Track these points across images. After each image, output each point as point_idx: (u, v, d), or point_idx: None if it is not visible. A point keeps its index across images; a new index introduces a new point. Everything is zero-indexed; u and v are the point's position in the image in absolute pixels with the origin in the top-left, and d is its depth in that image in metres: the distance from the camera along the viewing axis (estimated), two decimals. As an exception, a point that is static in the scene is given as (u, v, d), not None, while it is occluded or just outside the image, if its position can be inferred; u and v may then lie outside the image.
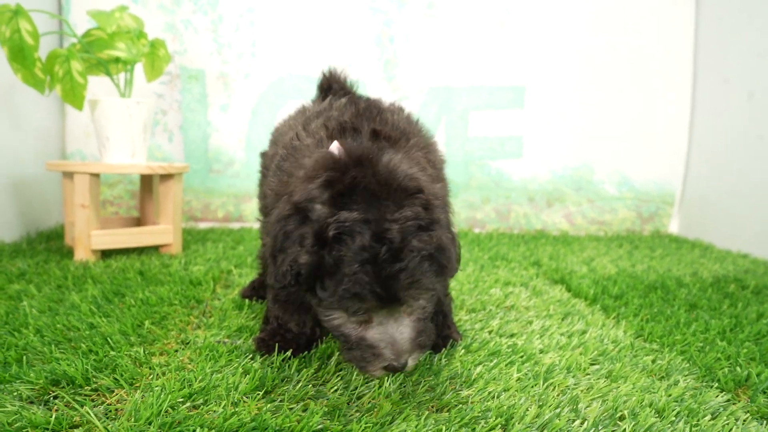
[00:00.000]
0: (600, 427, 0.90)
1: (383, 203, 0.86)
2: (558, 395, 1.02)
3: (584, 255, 2.38)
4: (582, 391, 1.05)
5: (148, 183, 2.38)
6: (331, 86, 1.36)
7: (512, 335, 1.35)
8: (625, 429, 0.89)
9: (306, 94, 2.81)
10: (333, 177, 0.89)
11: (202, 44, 2.76)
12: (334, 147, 0.97)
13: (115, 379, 1.03)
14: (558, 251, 2.45)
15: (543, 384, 1.06)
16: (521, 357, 1.20)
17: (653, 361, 1.20)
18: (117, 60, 2.12)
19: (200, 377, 1.03)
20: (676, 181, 3.02)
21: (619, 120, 2.98)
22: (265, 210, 1.18)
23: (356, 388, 1.03)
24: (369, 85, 2.87)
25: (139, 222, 2.43)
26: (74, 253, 2.00)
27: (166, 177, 2.16)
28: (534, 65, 2.93)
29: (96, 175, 2.02)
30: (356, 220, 0.84)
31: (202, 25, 2.75)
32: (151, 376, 1.05)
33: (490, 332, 1.37)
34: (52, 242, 2.27)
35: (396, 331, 0.90)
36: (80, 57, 1.98)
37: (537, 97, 2.94)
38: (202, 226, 2.86)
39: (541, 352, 1.24)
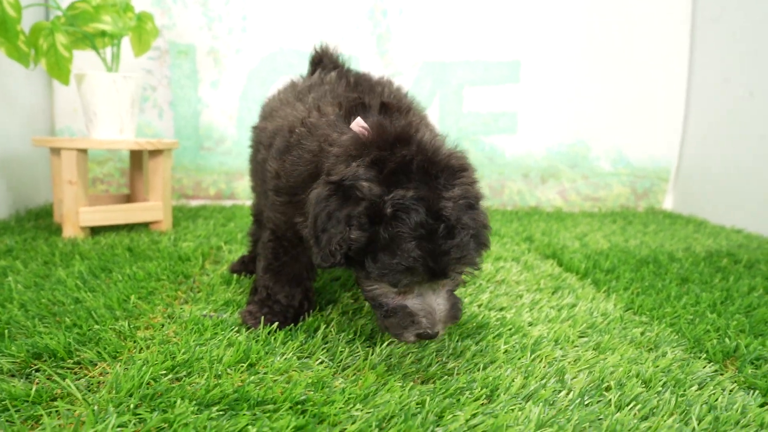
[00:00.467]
0: (586, 398, 0.89)
1: (434, 181, 0.89)
2: (545, 367, 1.02)
3: (577, 230, 2.36)
4: (569, 362, 1.04)
5: (137, 160, 2.35)
6: (322, 61, 1.37)
7: (501, 309, 1.34)
8: (610, 399, 0.88)
9: (298, 70, 2.76)
10: (381, 156, 0.89)
11: (192, 18, 2.71)
12: (358, 124, 0.97)
13: (98, 352, 1.02)
14: (551, 227, 2.44)
15: (530, 356, 1.05)
16: (509, 330, 1.19)
17: (642, 333, 1.19)
18: (103, 33, 2.08)
19: (184, 350, 1.02)
20: (671, 157, 3.00)
21: (616, 96, 2.95)
22: (274, 187, 1.10)
23: (342, 360, 1.02)
24: (362, 60, 2.82)
25: (129, 199, 2.40)
26: (63, 230, 1.98)
27: (155, 153, 2.13)
28: (530, 40, 2.89)
29: (83, 151, 1.99)
30: (412, 198, 0.86)
31: (191, -1, 2.70)
32: (135, 350, 1.04)
33: (479, 306, 1.36)
34: (40, 220, 2.24)
35: (434, 301, 0.93)
36: (65, 30, 1.94)
37: (532, 73, 2.91)
38: (194, 203, 2.84)
39: (530, 325, 1.23)
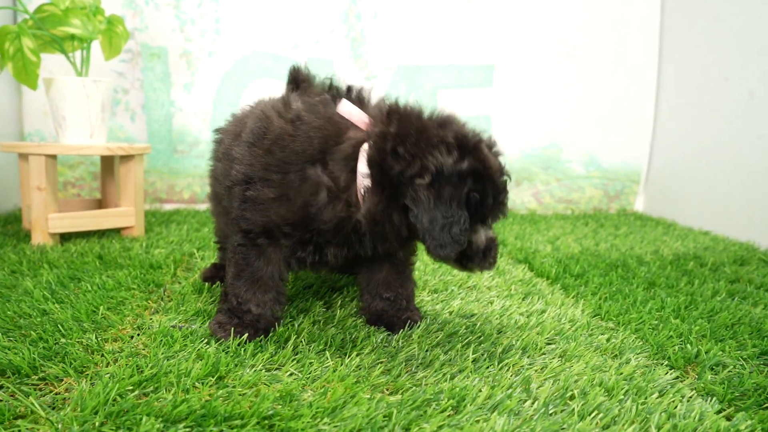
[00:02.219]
0: (550, 407, 0.91)
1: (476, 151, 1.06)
2: (512, 376, 1.03)
3: (550, 234, 2.40)
4: (536, 371, 1.06)
5: (109, 164, 2.32)
6: (297, 80, 1.38)
7: (472, 316, 1.36)
8: (574, 408, 0.90)
9: (272, 73, 2.76)
10: (460, 139, 1.04)
11: (164, 21, 2.69)
12: (347, 107, 1.09)
13: (64, 367, 1.01)
14: (524, 230, 2.47)
15: (498, 365, 1.07)
16: (479, 338, 1.21)
17: (608, 340, 1.21)
18: (72, 37, 2.05)
19: (152, 363, 1.01)
20: (642, 160, 3.05)
21: (588, 99, 2.99)
22: (244, 178, 1.11)
23: (311, 372, 1.02)
24: (336, 64, 2.83)
25: (101, 204, 2.37)
26: (31, 237, 1.95)
27: (126, 158, 2.11)
28: (503, 44, 2.91)
29: (52, 157, 1.96)
30: (496, 168, 1.08)
31: (163, 1, 2.67)
32: (102, 364, 1.03)
33: (450, 313, 1.38)
34: (9, 226, 2.21)
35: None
36: (32, 34, 1.91)
37: (506, 77, 2.94)
38: (168, 207, 2.81)
39: (499, 332, 1.25)
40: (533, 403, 0.92)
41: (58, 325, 1.18)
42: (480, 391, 0.95)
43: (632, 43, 2.95)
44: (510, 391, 0.96)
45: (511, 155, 3.01)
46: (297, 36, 2.78)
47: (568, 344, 1.18)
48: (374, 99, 1.15)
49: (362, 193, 1.04)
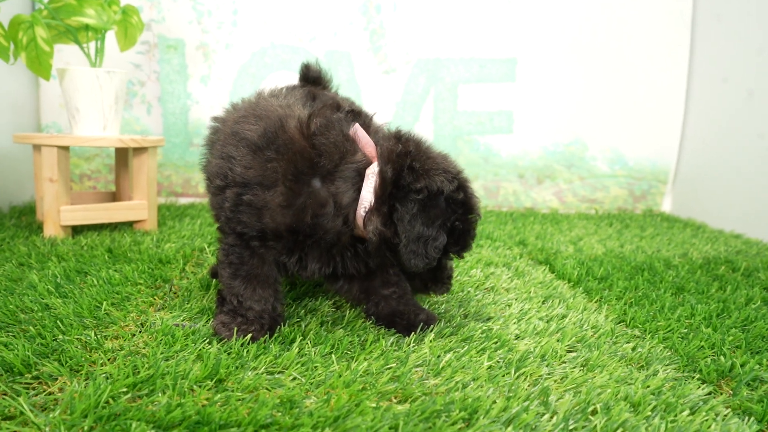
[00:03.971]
0: (570, 422, 0.84)
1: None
2: (529, 386, 0.97)
3: (572, 234, 2.31)
4: (555, 381, 0.99)
5: (123, 157, 2.30)
6: (308, 75, 1.45)
7: (489, 319, 1.29)
8: (596, 425, 0.83)
9: (290, 65, 2.71)
10: (458, 173, 1.14)
11: (181, 12, 2.65)
12: (360, 131, 1.13)
13: (59, 365, 0.97)
14: (546, 230, 2.38)
15: (514, 373, 1.00)
16: (495, 343, 1.14)
17: (633, 349, 1.14)
18: (86, 27, 2.03)
19: (149, 364, 0.96)
20: (670, 159, 2.94)
21: (614, 95, 2.89)
22: (240, 182, 1.11)
23: (315, 376, 0.96)
24: (354, 56, 2.77)
25: (115, 197, 2.35)
26: (43, 229, 1.93)
27: (139, 151, 2.08)
28: (527, 37, 2.82)
29: (65, 148, 1.93)
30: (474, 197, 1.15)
31: (180, -8, 2.64)
32: (99, 363, 0.99)
33: (465, 316, 1.31)
34: (24, 217, 2.19)
35: None
36: (46, 24, 1.89)
37: (529, 71, 2.85)
38: (183, 201, 2.78)
39: (517, 338, 1.18)
40: (552, 418, 0.86)
41: (58, 321, 1.14)
42: (494, 402, 0.89)
43: (662, 35, 2.84)
44: (527, 403, 0.89)
45: (533, 152, 2.92)
46: (315, 28, 2.73)
47: (590, 353, 1.10)
48: (375, 125, 1.21)
49: (362, 213, 1.09)
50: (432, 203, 1.07)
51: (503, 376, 0.99)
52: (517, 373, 1.00)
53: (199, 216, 2.39)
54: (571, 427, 0.83)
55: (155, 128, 2.73)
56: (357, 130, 1.12)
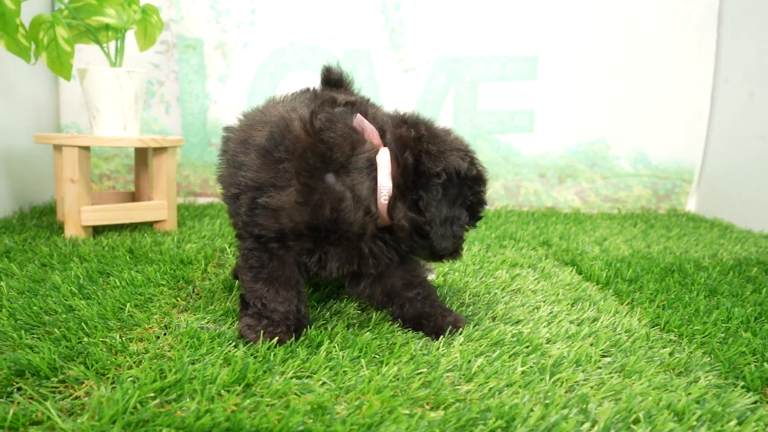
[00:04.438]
0: (612, 432, 0.81)
1: None
2: (566, 392, 0.93)
3: (596, 234, 2.27)
4: (592, 387, 0.96)
5: (143, 157, 2.29)
6: (330, 80, 1.42)
7: (518, 322, 1.26)
8: (640, 435, 0.80)
9: (308, 65, 2.69)
10: (466, 147, 1.15)
11: (200, 12, 2.64)
12: (362, 121, 1.11)
13: (86, 368, 0.95)
14: (569, 230, 2.34)
15: (549, 379, 0.97)
16: (526, 347, 1.11)
17: (671, 354, 1.10)
18: (107, 27, 2.02)
19: (176, 368, 0.95)
20: (695, 157, 2.88)
21: (638, 93, 2.83)
22: (252, 183, 1.10)
23: (344, 381, 0.94)
24: (374, 55, 2.74)
25: (134, 197, 2.35)
26: (64, 229, 1.93)
27: (159, 151, 2.07)
28: (548, 34, 2.78)
29: (86, 149, 1.93)
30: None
31: (199, -9, 2.63)
32: (125, 366, 0.97)
33: (493, 318, 1.28)
34: (44, 218, 2.20)
35: None
36: (67, 23, 1.88)
37: (551, 68, 2.80)
38: (201, 201, 2.78)
39: (549, 342, 1.15)
40: (592, 427, 0.82)
41: (83, 323, 1.13)
42: (531, 410, 0.86)
43: (688, 31, 2.79)
44: (566, 411, 0.86)
45: (554, 151, 2.88)
46: (333, 27, 2.70)
47: (626, 358, 1.07)
48: (372, 110, 1.19)
49: (383, 201, 1.08)
50: (450, 183, 1.09)
51: (538, 382, 0.96)
52: (552, 379, 0.97)
53: (218, 216, 2.38)
54: (613, 437, 0.80)
55: (174, 128, 2.73)
56: (360, 120, 1.11)
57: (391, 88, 2.77)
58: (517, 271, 1.67)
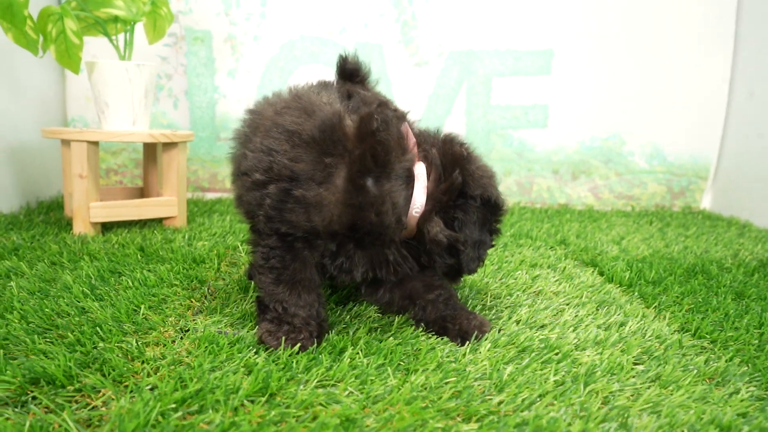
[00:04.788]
0: (655, 448, 0.77)
1: None
2: (601, 405, 0.90)
3: (613, 233, 2.23)
4: (628, 398, 0.92)
5: (151, 152, 2.25)
6: (346, 71, 1.37)
7: (543, 326, 1.22)
8: (686, 452, 0.76)
9: (319, 58, 2.65)
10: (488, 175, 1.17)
11: (208, 4, 2.60)
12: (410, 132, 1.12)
13: (103, 376, 0.92)
14: (585, 228, 2.30)
15: (584, 389, 0.93)
16: (556, 354, 1.07)
17: (706, 363, 1.06)
18: (116, 19, 1.97)
19: (197, 377, 0.91)
20: (711, 154, 2.83)
21: (654, 88, 2.78)
22: (287, 176, 1.03)
23: (371, 391, 0.90)
24: (386, 49, 2.69)
25: (142, 192, 2.31)
26: (73, 226, 1.89)
27: (169, 146, 2.03)
28: (563, 28, 2.73)
29: (94, 143, 1.89)
30: None
31: (208, -17, 2.58)
32: (143, 373, 0.94)
33: (518, 323, 1.24)
34: (52, 213, 2.16)
35: None
36: (75, 15, 1.84)
37: (566, 63, 2.75)
38: (210, 196, 2.74)
39: (577, 348, 1.11)
40: (635, 442, 0.79)
41: (97, 327, 1.09)
42: (570, 425, 0.82)
43: (705, 25, 2.73)
44: (605, 425, 0.82)
45: (568, 147, 2.83)
46: (345, 20, 2.65)
47: (661, 367, 1.03)
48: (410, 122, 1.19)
49: (414, 214, 1.08)
50: (484, 208, 1.12)
51: (573, 392, 0.92)
52: (587, 390, 0.93)
53: (228, 212, 2.35)
54: (658, 454, 0.76)
55: (182, 122, 2.68)
56: (406, 128, 1.10)
57: (403, 82, 2.72)
58: (536, 272, 1.63)
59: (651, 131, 2.82)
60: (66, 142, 2.01)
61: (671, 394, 0.93)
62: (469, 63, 2.74)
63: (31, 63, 2.29)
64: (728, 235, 2.25)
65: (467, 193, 1.10)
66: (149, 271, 1.48)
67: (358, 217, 1.02)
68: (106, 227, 1.98)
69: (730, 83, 2.76)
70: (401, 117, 1.12)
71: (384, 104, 1.13)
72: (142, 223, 2.07)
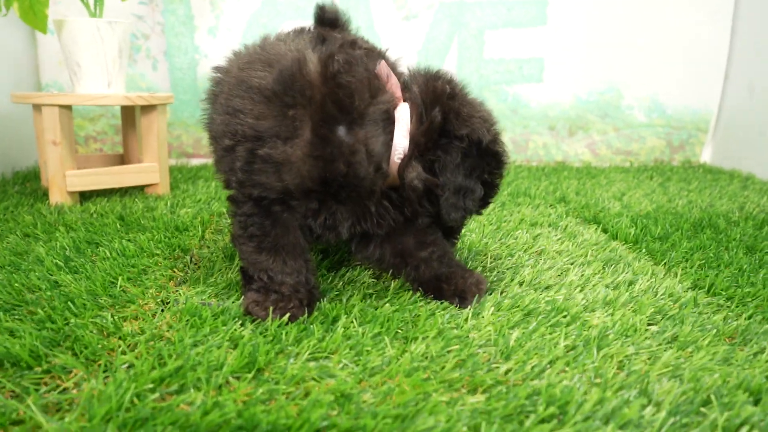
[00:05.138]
0: (680, 417, 0.71)
1: None
2: (617, 370, 0.83)
3: (613, 189, 2.15)
4: (645, 362, 0.85)
5: (130, 116, 2.14)
6: (325, 21, 1.27)
7: (548, 288, 1.15)
8: (715, 419, 0.70)
9: (304, 13, 2.51)
10: (494, 122, 1.07)
11: (184, -43, 2.44)
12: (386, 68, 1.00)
13: (74, 355, 0.84)
14: (584, 185, 2.22)
15: (597, 354, 0.86)
16: (564, 317, 1.00)
17: (724, 321, 1.00)
18: (83, -28, 1.84)
19: (177, 353, 0.83)
20: (711, 106, 2.74)
21: (653, 38, 2.67)
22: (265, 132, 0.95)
23: (368, 362, 0.83)
24: (372, 2, 2.56)
25: (123, 160, 2.20)
26: (49, 196, 1.79)
27: (148, 109, 1.92)
28: (558, -24, 2.60)
29: (67, 108, 1.78)
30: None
31: (182, -66, 2.42)
32: (118, 350, 0.86)
33: (521, 284, 1.17)
34: (28, 183, 2.06)
35: None
36: (37, -32, 1.70)
37: (561, 13, 2.63)
38: (195, 162, 2.63)
39: (586, 309, 1.04)
40: (657, 411, 0.72)
41: (70, 301, 1.01)
42: (586, 393, 0.75)
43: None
44: (624, 393, 0.75)
45: (564, 102, 2.73)
46: (329, -29, 2.51)
47: (678, 327, 0.96)
48: (392, 61, 1.08)
49: (396, 160, 0.98)
50: (470, 153, 1.00)
51: (585, 358, 0.85)
52: (600, 354, 0.87)
53: (213, 178, 2.25)
54: (683, 422, 0.70)
55: (162, 85, 2.56)
56: (384, 67, 0.99)
57: (390, 37, 2.59)
58: (537, 231, 1.56)
59: (650, 83, 2.72)
60: (37, 108, 1.89)
61: (691, 357, 0.86)
62: (459, 15, 2.61)
63: (1, 25, 2.15)
64: (731, 188, 2.18)
65: (451, 132, 0.99)
66: (129, 240, 1.39)
67: (327, 170, 0.93)
68: (85, 197, 1.88)
69: (731, 33, 2.65)
70: (375, 56, 1.01)
71: (350, 43, 1.01)
72: (123, 192, 1.97)
